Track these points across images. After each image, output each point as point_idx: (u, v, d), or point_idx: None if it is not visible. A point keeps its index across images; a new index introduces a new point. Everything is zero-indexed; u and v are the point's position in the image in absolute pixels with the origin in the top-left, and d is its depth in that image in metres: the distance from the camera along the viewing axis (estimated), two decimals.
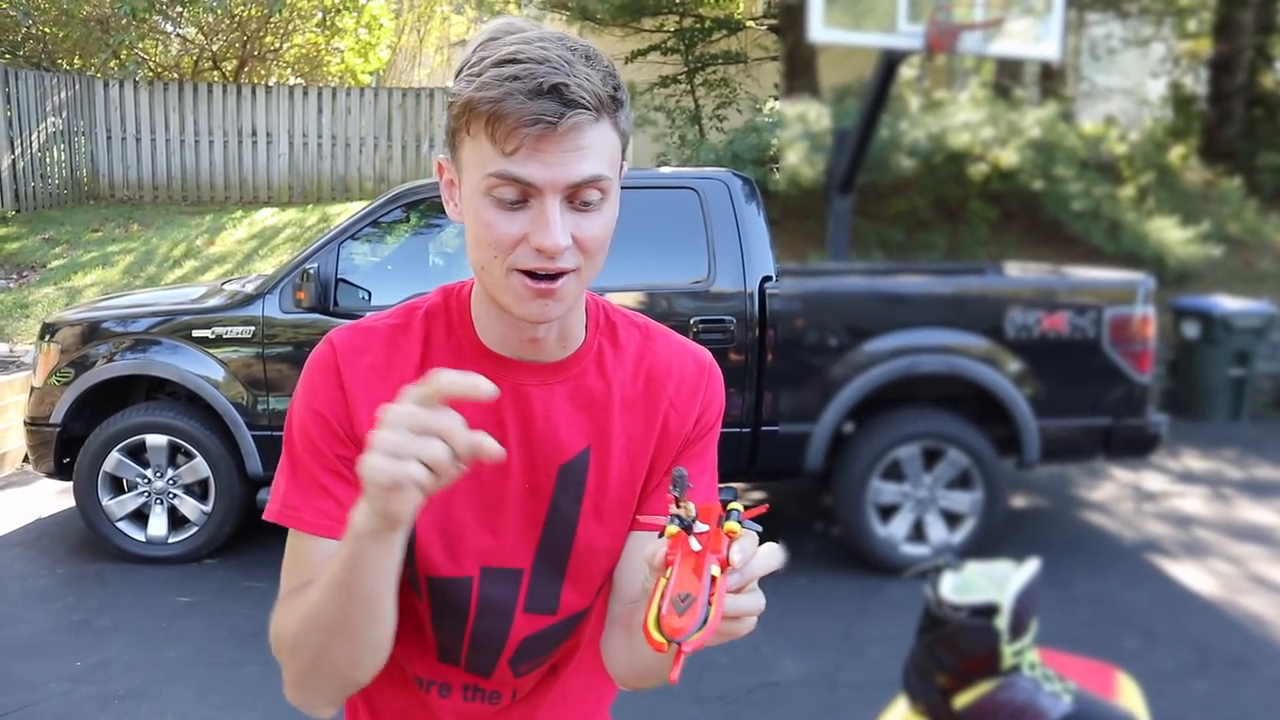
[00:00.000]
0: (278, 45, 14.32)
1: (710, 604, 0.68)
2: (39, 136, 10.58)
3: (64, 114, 11.00)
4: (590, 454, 0.94)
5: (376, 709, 1.04)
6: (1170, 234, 8.82)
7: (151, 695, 3.07)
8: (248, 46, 13.64)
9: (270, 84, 12.55)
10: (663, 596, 0.69)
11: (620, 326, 0.98)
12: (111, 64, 12.57)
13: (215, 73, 13.61)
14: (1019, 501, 5.30)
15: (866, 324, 4.04)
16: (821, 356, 3.99)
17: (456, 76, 0.84)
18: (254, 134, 11.60)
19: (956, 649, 1.11)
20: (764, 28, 11.82)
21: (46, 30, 12.49)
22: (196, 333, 4.05)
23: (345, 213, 10.02)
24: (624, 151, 0.87)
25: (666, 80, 11.22)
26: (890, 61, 6.05)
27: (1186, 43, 13.67)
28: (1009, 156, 8.80)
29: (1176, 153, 11.84)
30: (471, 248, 0.86)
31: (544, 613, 0.97)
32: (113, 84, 11.52)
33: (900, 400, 4.10)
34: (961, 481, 4.10)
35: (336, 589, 0.81)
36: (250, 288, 4.24)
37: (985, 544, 4.11)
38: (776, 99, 10.32)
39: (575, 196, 0.83)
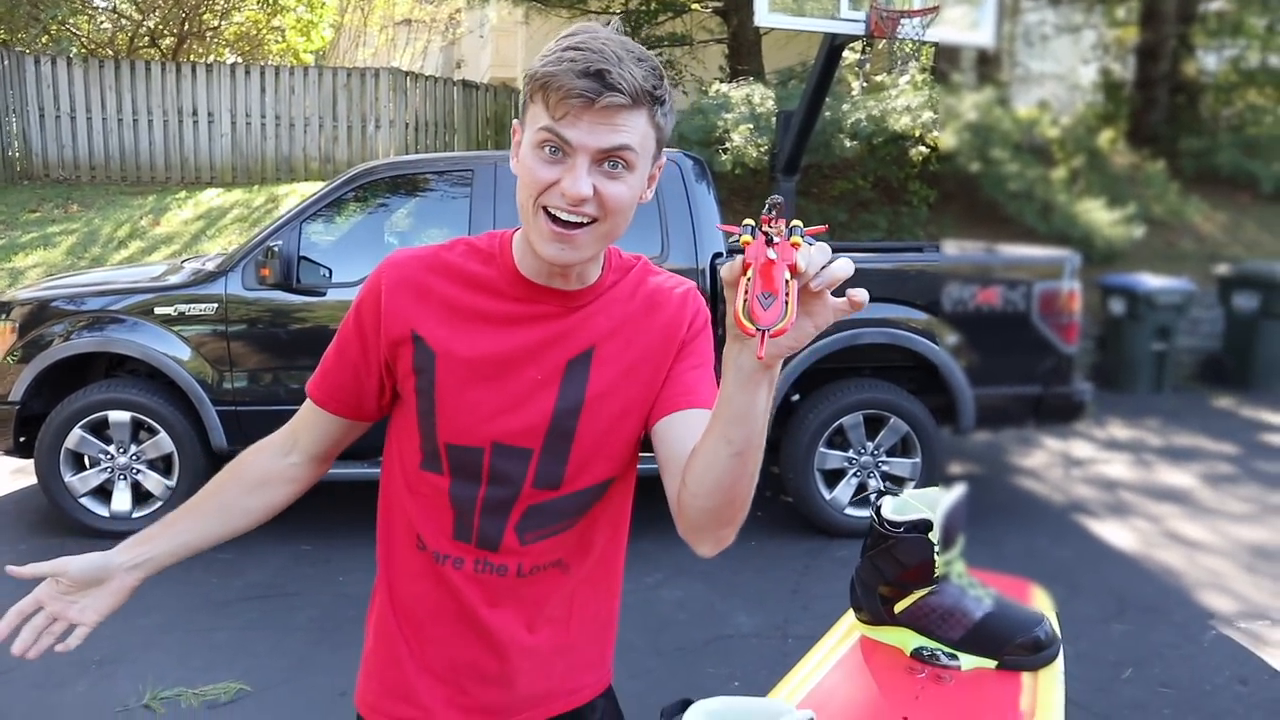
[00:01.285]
0: (217, 23, 14.09)
1: (787, 301, 0.83)
2: None
3: None
4: (594, 352, 1.13)
5: (396, 590, 1.20)
6: (1098, 215, 9.21)
7: (129, 660, 3.16)
8: (186, 24, 13.41)
9: (210, 63, 12.35)
10: (748, 294, 0.84)
11: (625, 261, 1.20)
12: (42, 39, 12.26)
13: (153, 50, 13.36)
14: (956, 469, 5.58)
15: None
16: None
17: (541, 57, 1.04)
18: (195, 113, 11.41)
19: (897, 561, 1.29)
20: (709, 10, 11.94)
21: None
22: (159, 310, 4.10)
23: (292, 193, 9.98)
24: (660, 144, 1.07)
25: None
26: (833, 46, 6.24)
27: (1115, 30, 14.15)
28: (947, 139, 9.08)
29: (1105, 137, 12.29)
30: (518, 190, 1.06)
31: (549, 488, 1.14)
32: (44, 60, 11.23)
33: (844, 371, 4.32)
34: (902, 448, 4.34)
35: None
36: (211, 265, 4.29)
37: None
38: (722, 81, 10.46)
39: (603, 160, 1.02)
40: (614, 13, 11.54)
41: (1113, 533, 4.47)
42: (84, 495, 4.20)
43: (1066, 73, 14.37)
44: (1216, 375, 8.27)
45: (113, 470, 4.21)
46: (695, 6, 11.79)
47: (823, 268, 0.86)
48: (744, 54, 11.26)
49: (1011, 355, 4.32)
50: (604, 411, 1.13)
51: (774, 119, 7.82)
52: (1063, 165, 10.33)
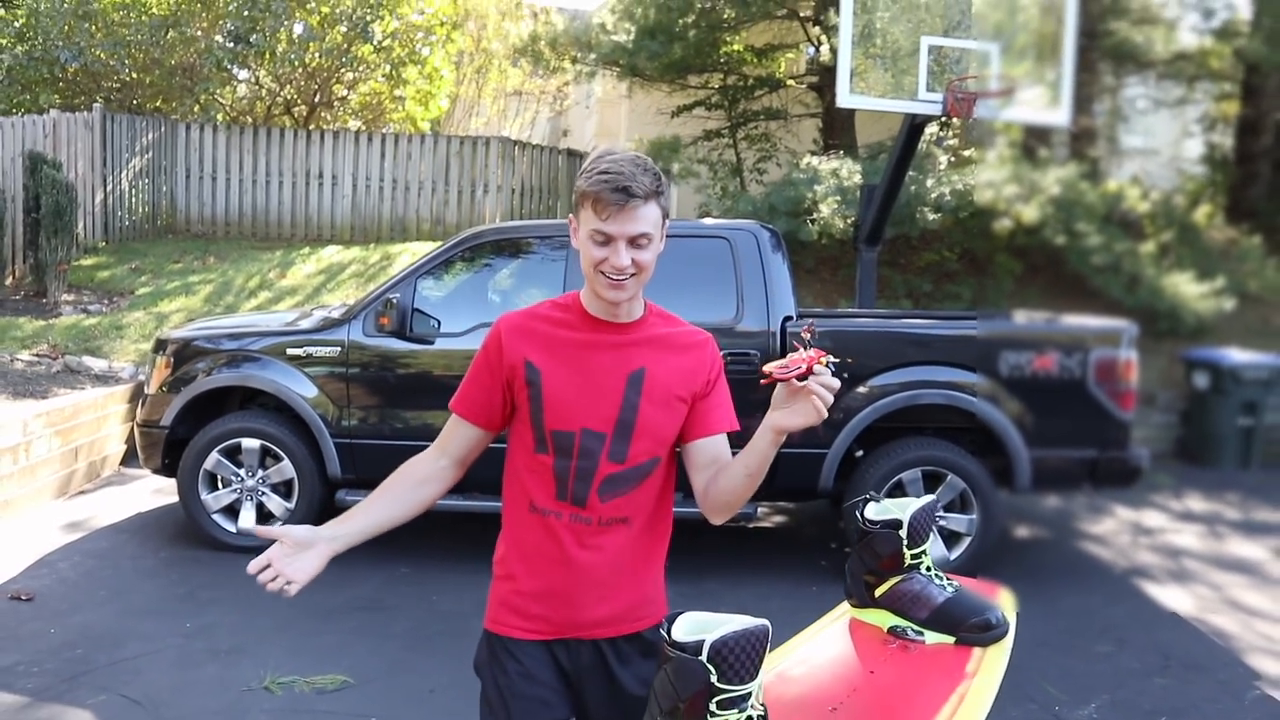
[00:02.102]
0: (345, 93, 15.27)
1: (802, 375, 1.45)
2: (128, 174, 11.46)
3: (150, 154, 11.89)
4: (645, 370, 1.66)
5: (517, 540, 1.72)
6: (1186, 288, 9.20)
7: (250, 652, 3.63)
8: (317, 94, 14.58)
9: (336, 130, 13.41)
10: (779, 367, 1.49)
11: (657, 309, 1.76)
12: (194, 109, 13.54)
13: (286, 117, 14.55)
14: (1023, 531, 5.72)
15: (875, 360, 4.55)
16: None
17: (579, 176, 1.62)
18: (320, 176, 12.39)
19: (875, 553, 1.61)
20: (804, 86, 12.42)
21: (135, 76, 13.50)
22: (290, 351, 4.67)
23: (405, 252, 10.75)
24: (665, 216, 1.63)
25: (710, 134, 11.86)
26: (914, 125, 6.60)
27: (1217, 105, 14.08)
28: (1030, 213, 9.26)
29: (1203, 212, 12.21)
30: (583, 263, 1.64)
31: (618, 462, 1.64)
32: (193, 126, 12.42)
33: (906, 430, 4.59)
34: (961, 504, 4.57)
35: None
36: (336, 314, 4.86)
37: (981, 562, 4.56)
38: (814, 154, 10.87)
39: (634, 242, 1.58)
40: (712, 89, 12.11)
41: (1170, 596, 4.58)
42: (216, 512, 4.76)
43: (1161, 147, 14.33)
44: None
45: (241, 491, 4.77)
46: (791, 83, 12.30)
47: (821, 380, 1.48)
48: (837, 128, 11.66)
49: (1066, 419, 4.53)
50: (652, 410, 1.65)
51: (859, 192, 8.16)
52: (1152, 239, 10.34)
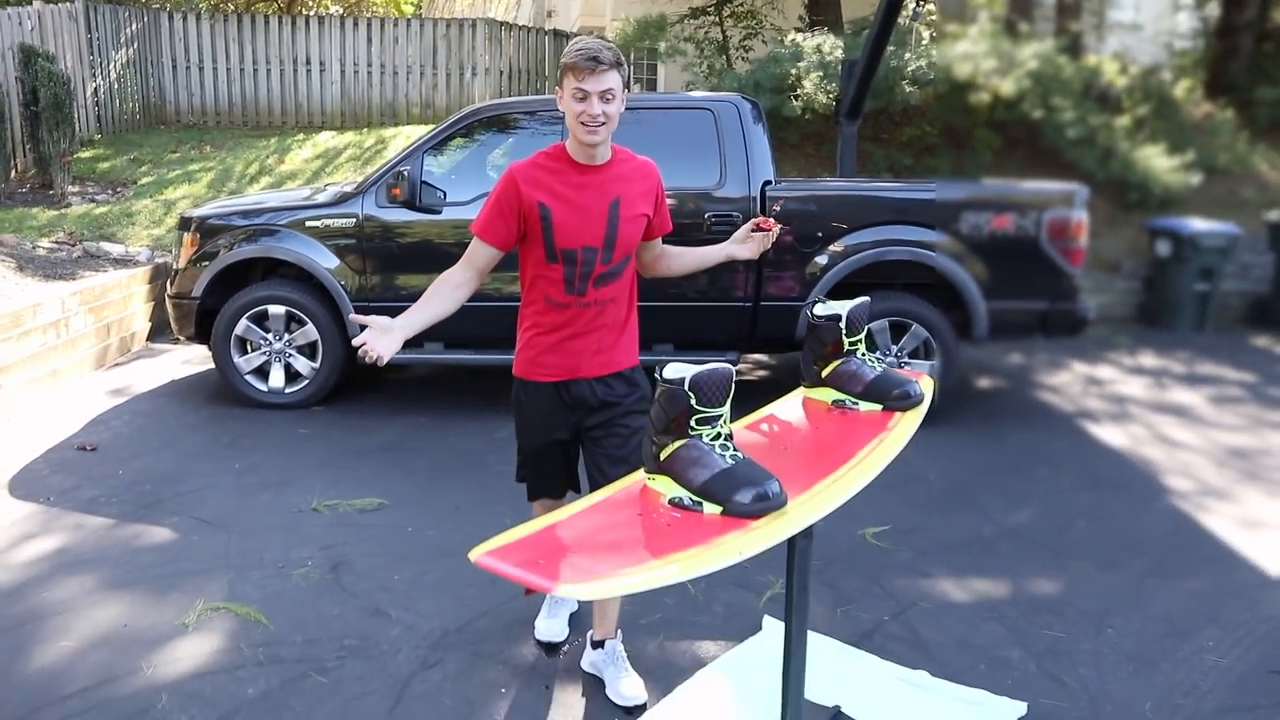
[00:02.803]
0: None
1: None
2: (115, 66, 11.51)
3: (135, 45, 11.90)
4: (620, 199, 2.33)
5: (538, 320, 2.41)
6: (1157, 161, 9.54)
7: (295, 484, 4.15)
8: None
9: (321, 16, 13.36)
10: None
11: (624, 153, 2.39)
12: None
13: (271, 4, 14.45)
14: (985, 382, 6.25)
15: (845, 220, 4.96)
16: (810, 246, 4.93)
17: (563, 56, 2.22)
18: (308, 63, 12.45)
19: (821, 340, 2.07)
20: None
21: None
22: (309, 223, 5.06)
23: (398, 135, 10.96)
24: (626, 86, 2.25)
25: (696, 12, 11.90)
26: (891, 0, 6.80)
27: None
28: (1008, 87, 9.51)
29: (1183, 86, 12.40)
30: (567, 119, 2.25)
31: (606, 264, 2.34)
32: (177, 16, 12.38)
33: (873, 284, 5.03)
34: (924, 352, 5.06)
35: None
36: (349, 189, 5.22)
37: (942, 405, 5.08)
38: (799, 31, 10.98)
39: (602, 96, 2.19)
40: None
41: (1108, 434, 5.12)
42: (248, 373, 5.22)
43: (1145, 22, 14.37)
44: (1263, 317, 8.64)
45: (270, 354, 5.22)
46: None
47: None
48: (822, 4, 11.72)
49: (1021, 275, 4.98)
50: (627, 227, 2.35)
51: (840, 67, 8.39)
52: (1129, 114, 10.60)
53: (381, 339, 2.07)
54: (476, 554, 1.37)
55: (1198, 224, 8.31)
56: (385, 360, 2.08)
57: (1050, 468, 4.56)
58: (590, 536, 1.50)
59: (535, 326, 2.42)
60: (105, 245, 7.53)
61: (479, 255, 2.34)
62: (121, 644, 2.82)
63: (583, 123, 2.20)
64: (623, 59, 2.23)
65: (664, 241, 2.56)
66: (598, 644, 2.66)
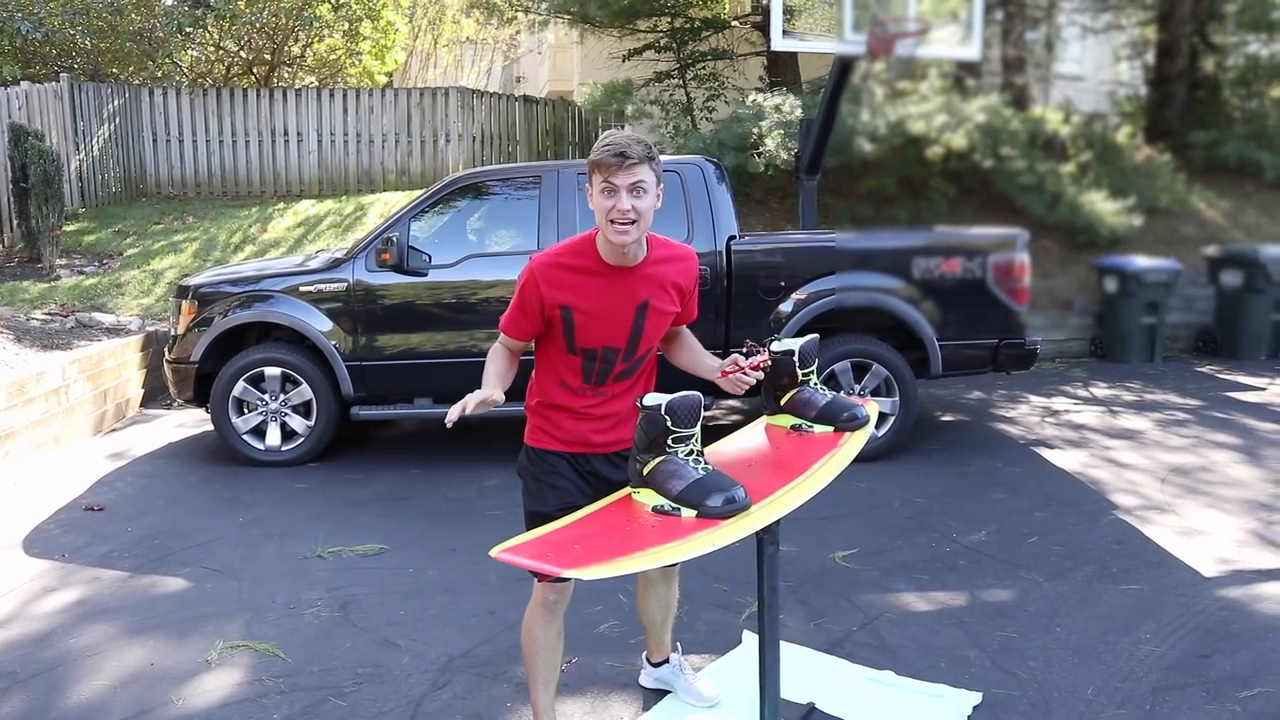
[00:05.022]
0: (301, 51, 15.59)
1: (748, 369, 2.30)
2: (98, 141, 11.85)
3: (117, 120, 12.25)
4: (649, 301, 2.29)
5: (551, 396, 2.37)
6: (1101, 205, 10.09)
7: (298, 533, 4.38)
8: (276, 54, 14.91)
9: (299, 88, 13.79)
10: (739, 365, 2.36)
11: (659, 242, 2.34)
12: (157, 74, 13.83)
13: (248, 77, 14.88)
14: (948, 416, 6.59)
15: (806, 270, 5.33)
16: (774, 295, 5.28)
17: (591, 153, 2.17)
18: (285, 133, 12.83)
19: (778, 374, 2.39)
20: (748, 25, 13.00)
21: (94, 43, 13.76)
22: (303, 289, 5.35)
23: (376, 202, 11.33)
24: (659, 181, 2.19)
25: (660, 76, 12.46)
26: (843, 63, 7.30)
27: (1143, 29, 14.87)
28: (959, 139, 10.05)
29: (1124, 132, 13.07)
30: (596, 214, 2.20)
31: (627, 361, 2.33)
32: (158, 91, 12.77)
33: (836, 328, 5.38)
34: (886, 390, 5.40)
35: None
36: (340, 254, 5.53)
37: (903, 439, 5.42)
38: (760, 91, 11.52)
39: (633, 190, 2.14)
40: (660, 32, 12.67)
41: (1061, 458, 5.46)
42: (245, 433, 5.47)
43: (1089, 73, 15.13)
44: (1207, 346, 9.10)
45: (266, 413, 5.47)
46: (735, 23, 12.88)
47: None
48: (780, 66, 12.30)
49: (971, 315, 5.35)
50: (651, 328, 2.32)
51: (799, 126, 8.87)
52: (1074, 160, 11.18)
53: (486, 394, 2.16)
54: (496, 551, 1.66)
55: (1141, 261, 8.79)
56: (501, 402, 2.17)
57: (1007, 491, 4.88)
58: (588, 537, 1.79)
59: (549, 404, 2.37)
60: (97, 315, 7.78)
61: (511, 345, 2.36)
62: (150, 680, 3.04)
63: (612, 220, 2.11)
64: (655, 153, 2.13)
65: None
66: (659, 663, 2.89)
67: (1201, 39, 13.76)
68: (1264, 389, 7.35)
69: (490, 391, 2.16)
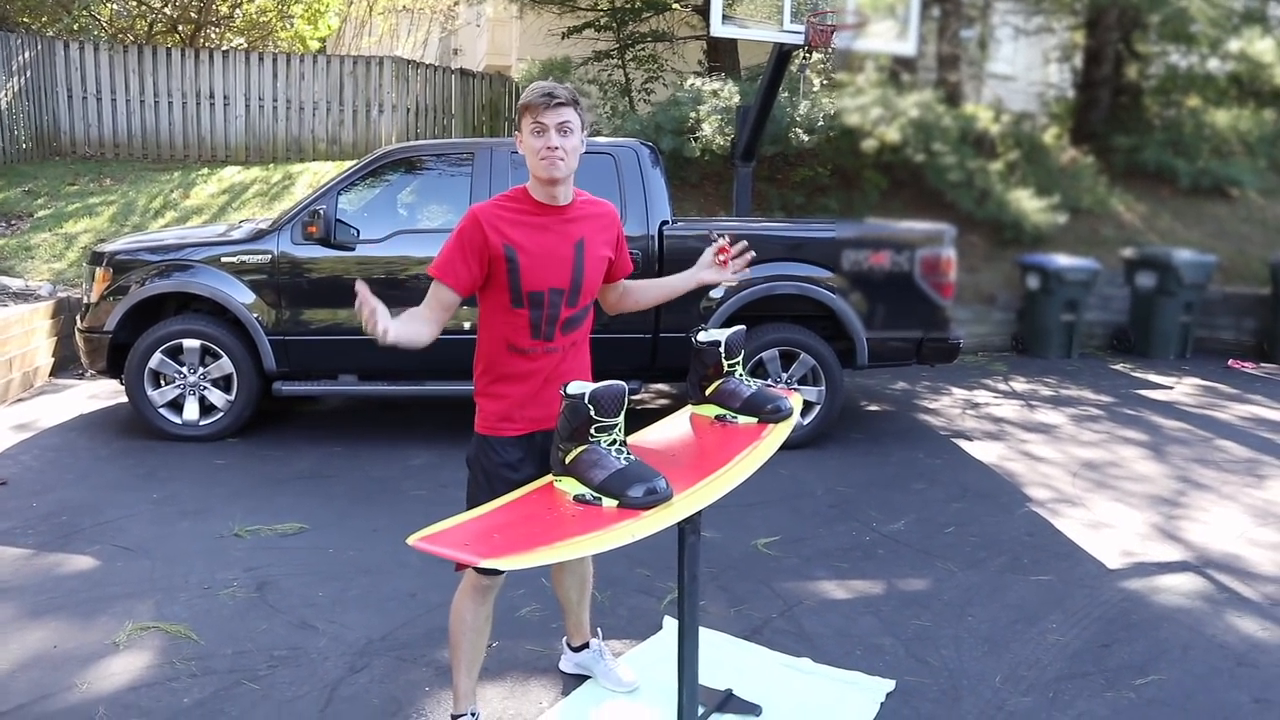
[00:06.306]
0: (230, 13, 15.07)
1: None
2: (6, 95, 11.29)
3: (28, 73, 11.69)
4: (584, 240, 2.34)
5: (502, 369, 2.32)
6: (1027, 204, 10.35)
7: (215, 511, 4.27)
8: (203, 12, 14.39)
9: (226, 49, 13.33)
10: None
11: (584, 197, 2.40)
12: (74, 26, 13.22)
13: (173, 36, 14.33)
14: (873, 406, 6.71)
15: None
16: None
17: (520, 100, 2.25)
18: (211, 96, 12.40)
19: (704, 364, 2.40)
20: (689, 9, 12.96)
21: None
22: (225, 259, 5.19)
23: (305, 171, 11.04)
24: (584, 125, 2.28)
25: (600, 55, 12.36)
26: (781, 52, 7.33)
27: (1072, 34, 15.26)
28: (892, 134, 10.20)
29: (1052, 133, 13.42)
30: (527, 155, 2.25)
31: (572, 307, 2.33)
32: (73, 45, 12.21)
33: (765, 317, 5.43)
34: (812, 379, 5.47)
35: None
36: (265, 225, 5.38)
37: (828, 427, 5.50)
38: (699, 75, 11.51)
39: (560, 129, 2.21)
40: (601, 11, 12.56)
41: (980, 450, 5.61)
42: (161, 406, 5.30)
43: (1020, 73, 15.48)
44: (1121, 345, 9.43)
45: (184, 387, 5.31)
46: (676, 5, 12.84)
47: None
48: (720, 51, 12.31)
49: (897, 308, 5.45)
50: (590, 270, 2.35)
51: (736, 112, 8.90)
52: (1002, 158, 11.46)
53: (386, 320, 2.04)
54: (414, 539, 1.64)
55: (1063, 260, 9.06)
56: (392, 338, 2.06)
57: (926, 481, 5.00)
58: (508, 526, 1.77)
59: (500, 377, 2.32)
60: (4, 279, 7.44)
61: (437, 300, 2.25)
62: (53, 663, 2.94)
63: (542, 157, 2.18)
64: (579, 99, 2.25)
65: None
66: (579, 648, 2.89)
67: (1127, 47, 14.19)
68: (1171, 388, 7.64)
69: (386, 319, 2.02)
